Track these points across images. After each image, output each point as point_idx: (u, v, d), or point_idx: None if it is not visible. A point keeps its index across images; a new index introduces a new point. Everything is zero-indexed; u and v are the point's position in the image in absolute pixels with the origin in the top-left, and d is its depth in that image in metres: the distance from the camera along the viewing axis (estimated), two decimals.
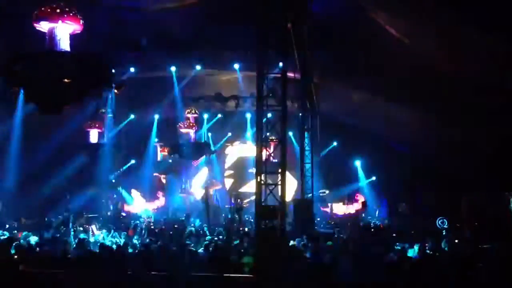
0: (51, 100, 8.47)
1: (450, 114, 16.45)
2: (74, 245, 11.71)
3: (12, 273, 8.07)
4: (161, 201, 26.34)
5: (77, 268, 8.66)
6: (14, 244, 10.38)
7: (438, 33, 12.42)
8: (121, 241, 13.38)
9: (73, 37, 9.35)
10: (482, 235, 13.12)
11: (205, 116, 24.82)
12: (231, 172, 27.97)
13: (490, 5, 10.07)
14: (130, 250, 11.05)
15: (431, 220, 17.44)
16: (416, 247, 11.12)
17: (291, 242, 11.76)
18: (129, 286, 8.28)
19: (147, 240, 13.08)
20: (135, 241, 13.42)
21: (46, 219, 15.27)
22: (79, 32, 9.44)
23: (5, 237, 12.32)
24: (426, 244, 11.70)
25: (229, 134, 27.19)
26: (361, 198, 25.41)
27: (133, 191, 25.28)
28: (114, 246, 11.89)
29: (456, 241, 12.41)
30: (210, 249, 10.73)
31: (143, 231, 15.55)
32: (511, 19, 10.03)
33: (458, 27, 11.46)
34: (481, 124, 15.45)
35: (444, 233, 14.73)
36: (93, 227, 15.78)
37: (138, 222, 19.38)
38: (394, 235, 15.35)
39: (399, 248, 11.04)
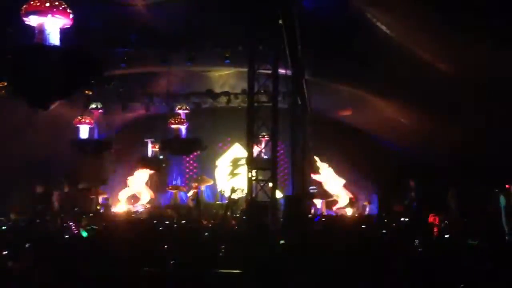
0: (40, 94, 8.39)
1: (439, 111, 16.55)
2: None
3: None
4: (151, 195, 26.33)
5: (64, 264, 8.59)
6: None
7: (429, 30, 12.46)
8: None
9: (63, 32, 9.25)
10: (470, 231, 13.22)
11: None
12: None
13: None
14: None
15: (422, 216, 17.55)
16: None
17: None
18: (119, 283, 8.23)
19: None
20: None
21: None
22: (69, 26, 9.34)
23: None
24: (416, 241, 11.78)
25: (221, 130, 27.14)
26: (349, 194, 25.59)
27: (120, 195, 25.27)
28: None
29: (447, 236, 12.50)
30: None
31: None
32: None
33: (451, 26, 11.51)
34: (468, 121, 15.57)
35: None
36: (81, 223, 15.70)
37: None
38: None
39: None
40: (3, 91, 10.15)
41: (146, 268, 8.19)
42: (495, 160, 15.57)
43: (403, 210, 22.18)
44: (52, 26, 8.88)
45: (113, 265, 8.27)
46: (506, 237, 11.50)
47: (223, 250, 10.24)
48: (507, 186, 14.89)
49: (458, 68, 13.23)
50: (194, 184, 25.42)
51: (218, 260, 9.40)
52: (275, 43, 10.86)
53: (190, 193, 25.65)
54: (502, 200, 14.79)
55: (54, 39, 8.83)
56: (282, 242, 11.50)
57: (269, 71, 11.21)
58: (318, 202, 25.73)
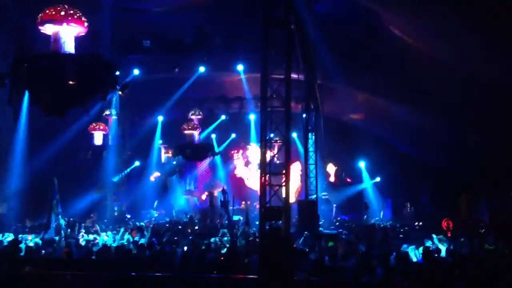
0: (55, 102, 8.50)
1: (454, 114, 16.41)
2: (79, 246, 11.74)
3: (18, 275, 8.10)
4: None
5: (82, 269, 8.67)
6: (20, 245, 10.44)
7: (443, 33, 12.38)
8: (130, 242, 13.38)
9: (78, 40, 9.38)
10: (484, 235, 13.09)
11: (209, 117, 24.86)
12: None
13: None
14: (134, 251, 11.07)
15: (436, 220, 17.40)
16: (420, 249, 11.09)
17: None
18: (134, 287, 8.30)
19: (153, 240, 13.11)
20: (140, 240, 13.42)
21: (46, 221, 15.34)
22: (84, 34, 9.47)
23: (11, 239, 12.38)
24: (430, 246, 11.69)
25: (233, 135, 27.23)
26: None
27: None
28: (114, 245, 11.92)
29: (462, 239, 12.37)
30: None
31: (147, 232, 15.57)
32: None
33: (465, 26, 11.42)
34: (485, 124, 15.40)
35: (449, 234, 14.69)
36: (98, 228, 15.83)
37: (143, 223, 19.45)
38: (401, 236, 15.34)
39: (404, 249, 11.02)
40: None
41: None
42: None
43: (416, 214, 22.03)
44: (67, 34, 9.02)
45: None
46: None
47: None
48: None
49: (473, 70, 13.12)
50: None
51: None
52: (287, 48, 10.84)
53: (203, 196, 25.74)
54: None
55: (69, 47, 8.96)
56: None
57: (282, 76, 11.18)
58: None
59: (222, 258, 10.00)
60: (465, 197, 18.66)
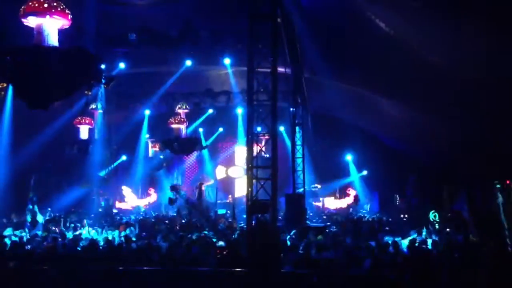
0: (40, 95, 8.39)
1: (439, 108, 16.53)
2: (64, 241, 11.66)
3: (2, 269, 8.02)
4: (152, 197, 26.30)
5: (67, 264, 8.61)
6: (4, 240, 10.34)
7: (429, 27, 12.42)
8: (115, 237, 13.32)
9: (62, 32, 9.26)
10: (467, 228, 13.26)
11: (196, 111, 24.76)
12: None
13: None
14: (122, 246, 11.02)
15: (423, 213, 17.58)
16: (407, 241, 11.21)
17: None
18: (120, 281, 8.26)
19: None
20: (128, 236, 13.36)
21: (31, 216, 15.18)
22: (68, 27, 9.34)
23: None
24: (416, 238, 11.81)
25: (221, 129, 27.18)
26: (352, 192, 25.57)
27: (124, 188, 25.24)
28: (102, 242, 11.86)
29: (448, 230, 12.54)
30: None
31: (135, 228, 15.52)
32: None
33: (452, 21, 11.47)
34: (470, 117, 15.53)
35: (437, 227, 14.87)
36: (83, 224, 15.72)
37: (129, 218, 19.37)
38: (387, 228, 15.48)
39: (390, 241, 11.10)
40: (3, 93, 10.15)
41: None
42: (494, 157, 15.58)
43: (404, 206, 22.22)
44: (51, 27, 8.88)
45: None
46: (507, 233, 11.51)
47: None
48: (507, 182, 14.91)
49: (456, 65, 13.20)
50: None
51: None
52: (274, 42, 10.82)
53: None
54: (500, 197, 14.91)
55: (53, 39, 8.84)
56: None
57: (269, 70, 11.17)
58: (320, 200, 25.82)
59: (220, 251, 9.94)
60: (447, 190, 18.94)
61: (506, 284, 7.41)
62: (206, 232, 13.55)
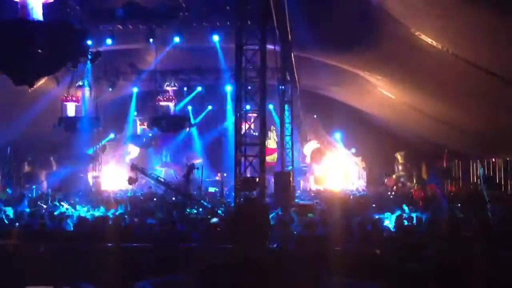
0: (24, 71, 8.26)
1: (429, 87, 16.58)
2: (52, 218, 11.62)
3: None
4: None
5: (55, 241, 8.60)
6: None
7: (424, 7, 12.32)
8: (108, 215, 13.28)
9: (46, 7, 9.07)
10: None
11: (185, 89, 24.57)
12: None
13: None
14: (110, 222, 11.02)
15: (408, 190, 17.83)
16: (393, 217, 11.33)
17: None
18: (109, 258, 8.28)
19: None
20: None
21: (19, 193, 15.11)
22: (52, 1, 9.15)
23: None
24: (404, 214, 11.95)
25: (209, 107, 27.07)
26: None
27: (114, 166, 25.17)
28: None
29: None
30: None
31: (127, 205, 15.49)
32: None
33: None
34: (456, 98, 15.65)
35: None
36: (72, 201, 15.69)
37: (120, 196, 19.33)
38: (373, 205, 15.64)
39: (377, 218, 11.23)
40: None
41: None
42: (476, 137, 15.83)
43: (393, 183, 22.50)
44: (35, 1, 8.70)
45: None
46: (488, 206, 11.74)
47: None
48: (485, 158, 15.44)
49: (441, 41, 13.18)
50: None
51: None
52: (263, 18, 10.72)
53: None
54: (481, 170, 15.65)
55: (37, 14, 8.66)
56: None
57: (257, 47, 11.08)
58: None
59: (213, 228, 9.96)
60: (424, 168, 19.44)
61: (489, 259, 7.55)
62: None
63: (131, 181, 18.80)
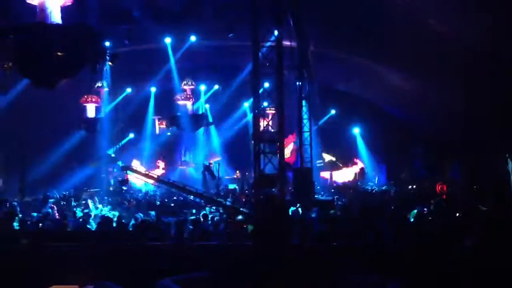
0: (44, 74, 8.37)
1: (447, 80, 16.34)
2: (75, 220, 11.77)
3: (14, 247, 8.14)
4: (161, 170, 26.36)
5: (78, 241, 8.70)
6: (16, 218, 10.46)
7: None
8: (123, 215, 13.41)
9: (64, 10, 9.17)
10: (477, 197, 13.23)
11: (202, 87, 24.61)
12: None
13: None
14: (132, 222, 11.11)
15: (431, 184, 17.59)
16: (414, 212, 11.18)
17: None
18: (130, 258, 8.35)
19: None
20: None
21: (44, 195, 15.31)
22: (70, 4, 9.26)
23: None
24: (425, 209, 11.79)
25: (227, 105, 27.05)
26: (359, 164, 25.64)
27: (134, 161, 25.36)
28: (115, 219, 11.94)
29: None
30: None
31: (143, 204, 15.62)
32: None
33: None
34: (477, 90, 15.37)
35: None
36: (94, 201, 15.86)
37: (139, 195, 19.50)
38: (396, 201, 15.46)
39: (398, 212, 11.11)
40: (8, 72, 10.14)
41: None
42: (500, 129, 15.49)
43: (411, 178, 22.22)
44: (53, 4, 8.81)
45: None
46: None
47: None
48: None
49: (465, 36, 12.98)
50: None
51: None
52: (279, 15, 10.68)
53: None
54: (510, 164, 15.03)
55: (56, 17, 8.77)
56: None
57: (274, 43, 11.06)
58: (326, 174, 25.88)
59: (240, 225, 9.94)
60: (446, 162, 19.04)
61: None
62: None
63: (124, 182, 18.75)
